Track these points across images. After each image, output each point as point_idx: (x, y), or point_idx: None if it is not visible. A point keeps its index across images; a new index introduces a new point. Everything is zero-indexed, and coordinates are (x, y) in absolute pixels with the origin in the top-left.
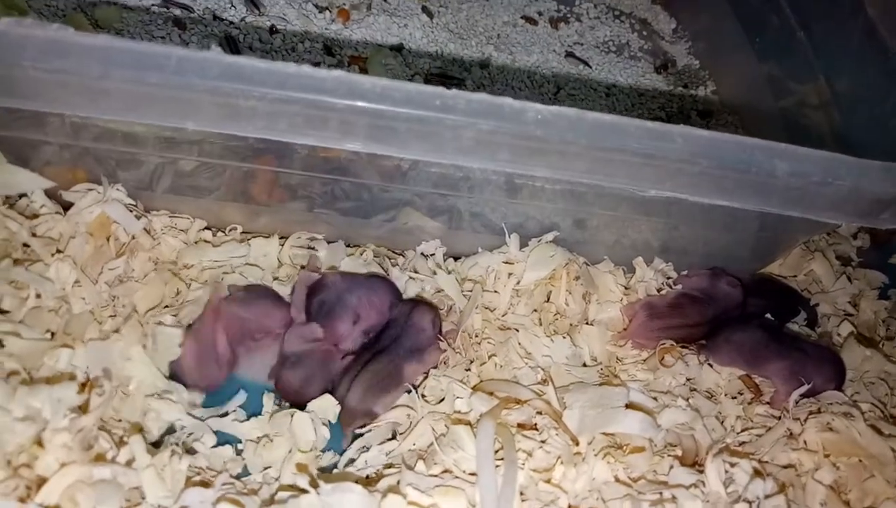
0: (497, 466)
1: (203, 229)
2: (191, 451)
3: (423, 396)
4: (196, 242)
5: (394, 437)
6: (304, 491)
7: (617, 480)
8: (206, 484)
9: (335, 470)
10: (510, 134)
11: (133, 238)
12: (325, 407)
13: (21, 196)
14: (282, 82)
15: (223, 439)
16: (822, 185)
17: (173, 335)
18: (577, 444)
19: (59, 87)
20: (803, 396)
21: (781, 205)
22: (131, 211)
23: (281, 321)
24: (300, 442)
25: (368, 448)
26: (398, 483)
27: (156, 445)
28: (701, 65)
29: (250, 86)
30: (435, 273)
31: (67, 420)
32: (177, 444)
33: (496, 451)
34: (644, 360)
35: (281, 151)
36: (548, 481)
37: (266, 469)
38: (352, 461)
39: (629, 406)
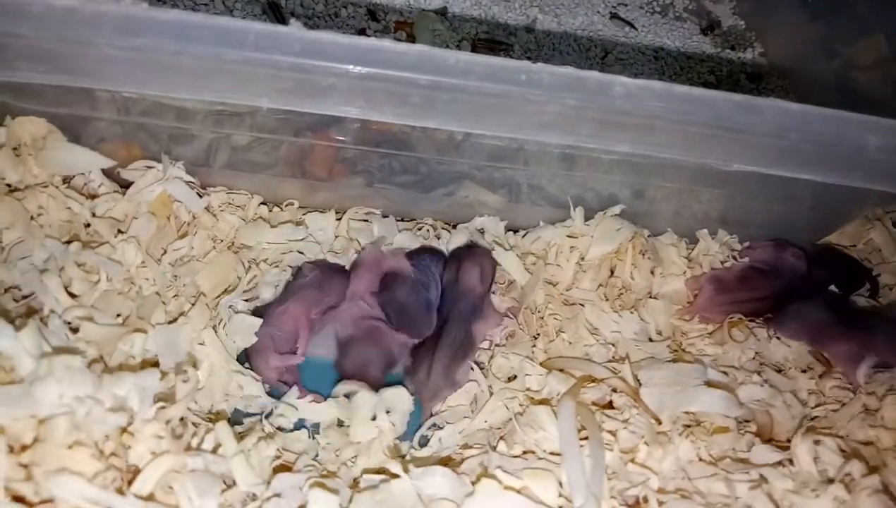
0: (581, 446)
1: (259, 204)
2: (270, 435)
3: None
4: (254, 219)
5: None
6: (393, 476)
7: (700, 459)
8: (288, 468)
9: (410, 452)
10: (595, 108)
11: (194, 217)
12: (397, 395)
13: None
14: (363, 58)
15: (299, 423)
16: None
17: (251, 323)
18: (660, 423)
19: (134, 65)
20: (876, 371)
21: (867, 180)
22: (192, 188)
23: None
24: (378, 424)
25: (442, 427)
26: (480, 463)
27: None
28: (747, 26)
29: (332, 62)
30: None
31: (155, 409)
32: (258, 426)
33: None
34: (710, 334)
35: (337, 125)
36: (635, 462)
37: (341, 451)
38: (425, 441)
39: (707, 383)
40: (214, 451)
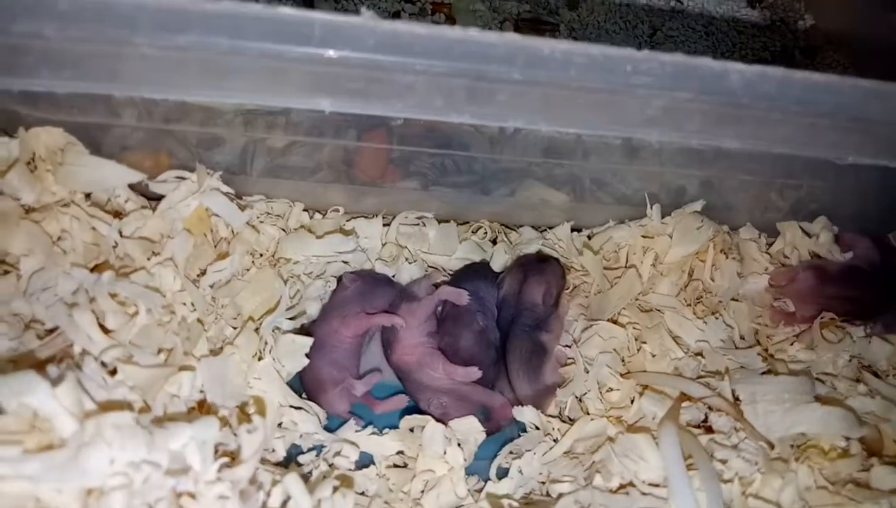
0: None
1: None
2: (346, 483)
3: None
4: (295, 229)
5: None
6: None
7: (818, 486)
8: None
9: (488, 486)
10: (708, 101)
11: (234, 233)
12: (469, 428)
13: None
14: (447, 51)
15: (362, 458)
16: None
17: (301, 344)
18: (773, 448)
19: (178, 67)
20: None
21: None
22: (232, 200)
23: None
24: (449, 459)
25: (520, 456)
26: (576, 502)
27: (283, 466)
28: None
29: (410, 57)
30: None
31: (217, 466)
32: (329, 472)
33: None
34: (797, 336)
35: (382, 123)
36: (751, 494)
37: (408, 489)
38: (504, 472)
39: (817, 398)
40: (284, 506)
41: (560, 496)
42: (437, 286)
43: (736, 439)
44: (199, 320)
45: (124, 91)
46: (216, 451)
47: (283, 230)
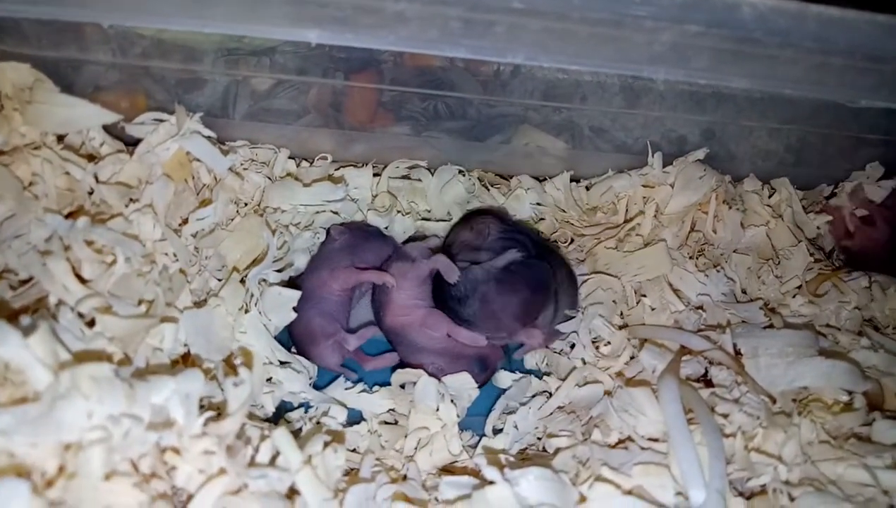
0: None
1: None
2: (337, 438)
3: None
4: (282, 177)
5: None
6: (487, 481)
7: (821, 441)
8: (349, 472)
9: (483, 441)
10: (718, 36)
11: (216, 179)
12: (462, 383)
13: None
14: None
15: (352, 415)
16: None
17: (288, 296)
18: (775, 402)
19: None
20: None
21: None
22: (214, 144)
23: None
24: (442, 416)
25: (514, 411)
26: (574, 457)
27: (272, 422)
28: None
29: None
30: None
31: (202, 421)
32: (317, 428)
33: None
34: (798, 288)
35: (372, 63)
36: (749, 447)
37: (401, 446)
38: (497, 429)
39: (821, 352)
40: (272, 462)
41: (557, 451)
42: (433, 251)
43: (737, 393)
44: (181, 270)
45: (95, 17)
46: (202, 405)
47: (269, 178)
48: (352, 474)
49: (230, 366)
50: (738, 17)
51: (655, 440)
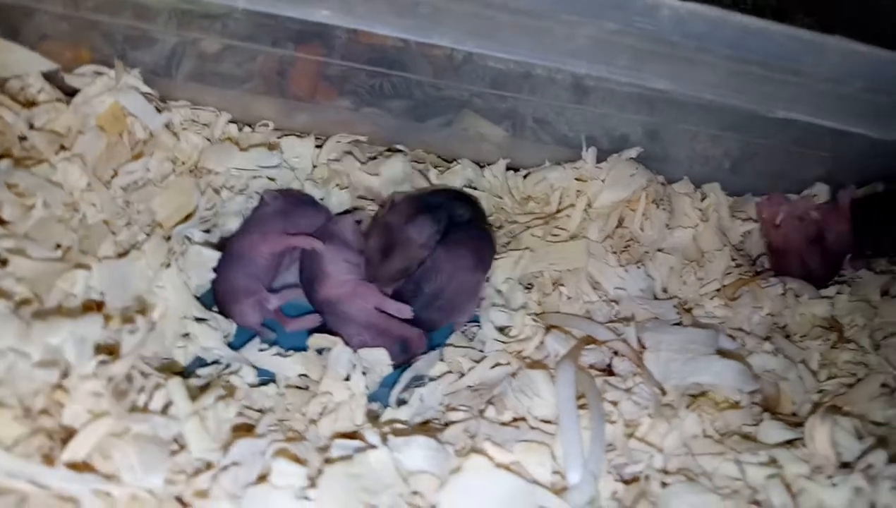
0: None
1: (228, 123)
2: (231, 392)
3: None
4: (221, 139)
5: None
6: (370, 445)
7: (706, 435)
8: (249, 429)
9: (387, 412)
10: (636, 35)
11: (151, 135)
12: (377, 358)
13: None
14: None
15: (261, 376)
16: None
17: (209, 256)
18: (665, 394)
19: None
20: None
21: None
22: (150, 101)
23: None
24: (351, 385)
25: (424, 384)
26: (465, 430)
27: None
28: None
29: None
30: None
31: (94, 364)
32: (217, 382)
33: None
34: (718, 291)
35: (323, 36)
36: (634, 436)
37: (307, 411)
38: (403, 401)
39: (719, 352)
40: (165, 411)
41: (449, 423)
42: (359, 222)
43: (631, 383)
44: (105, 221)
45: None
46: (109, 353)
47: (208, 140)
48: (246, 429)
49: (143, 316)
50: (656, 17)
51: (548, 422)
